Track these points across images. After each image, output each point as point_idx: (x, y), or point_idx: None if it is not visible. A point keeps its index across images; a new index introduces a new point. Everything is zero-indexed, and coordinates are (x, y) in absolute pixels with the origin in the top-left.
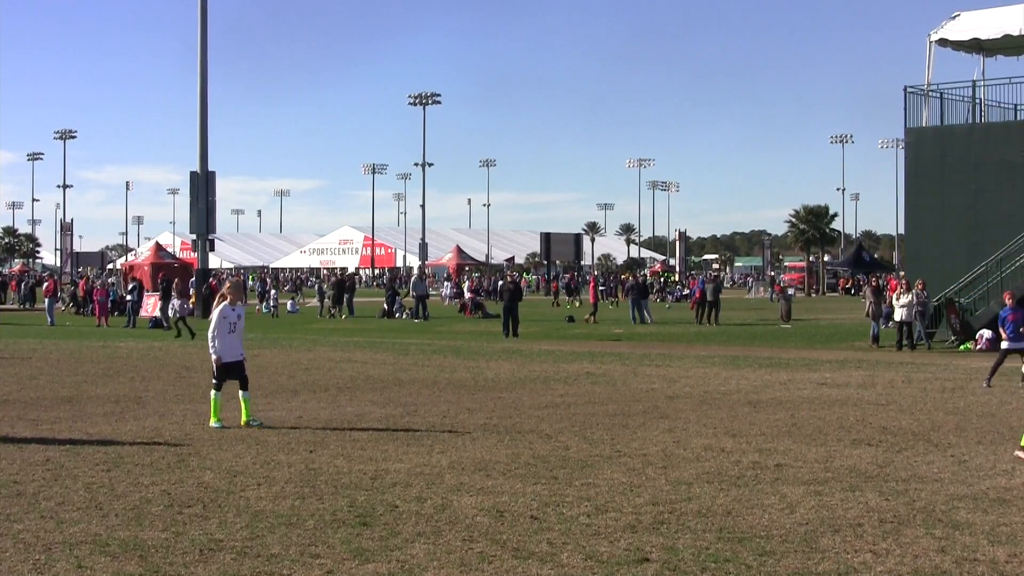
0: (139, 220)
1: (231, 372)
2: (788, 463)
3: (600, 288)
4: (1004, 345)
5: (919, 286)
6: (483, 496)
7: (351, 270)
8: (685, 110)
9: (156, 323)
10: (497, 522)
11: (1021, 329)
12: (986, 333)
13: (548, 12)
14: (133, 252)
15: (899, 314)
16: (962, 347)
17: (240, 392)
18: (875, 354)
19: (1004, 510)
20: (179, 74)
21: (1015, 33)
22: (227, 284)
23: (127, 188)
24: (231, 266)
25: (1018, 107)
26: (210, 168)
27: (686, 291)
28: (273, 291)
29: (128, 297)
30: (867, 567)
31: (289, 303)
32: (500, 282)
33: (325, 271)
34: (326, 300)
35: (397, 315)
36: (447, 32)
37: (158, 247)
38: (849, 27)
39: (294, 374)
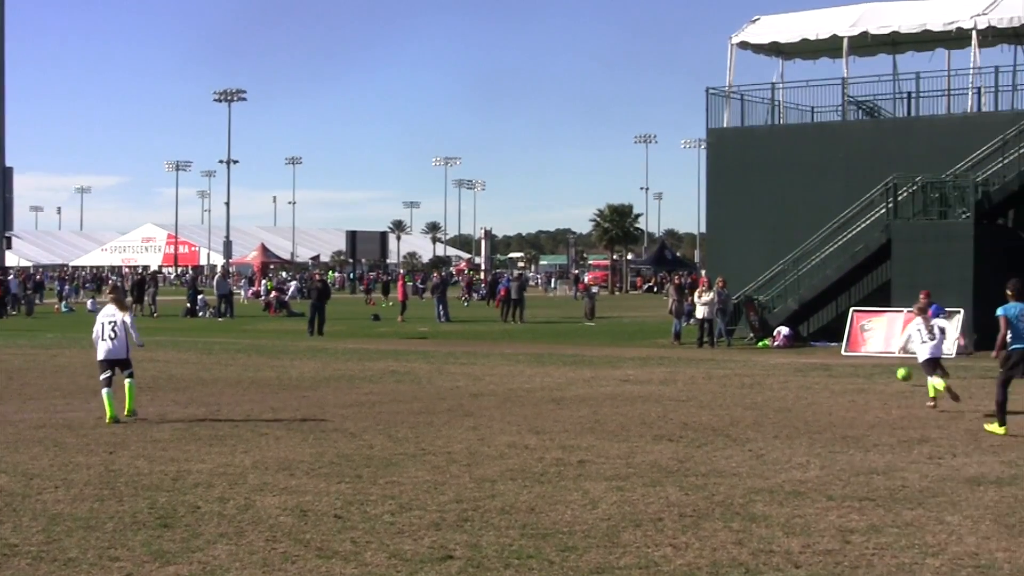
0: None
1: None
2: (591, 459)
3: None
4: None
5: (719, 284)
6: (286, 496)
7: (153, 268)
8: (490, 109)
9: None
10: (300, 522)
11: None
12: (783, 330)
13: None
14: None
15: (700, 312)
16: (760, 344)
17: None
18: (677, 351)
19: (799, 502)
20: None
21: (812, 37)
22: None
23: None
24: (29, 264)
25: (815, 109)
26: (7, 164)
27: (483, 288)
28: (67, 287)
29: None
30: (667, 560)
31: (89, 302)
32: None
33: (127, 269)
34: (128, 298)
35: (201, 314)
36: (254, 26)
37: None
38: (654, 28)
39: (93, 374)
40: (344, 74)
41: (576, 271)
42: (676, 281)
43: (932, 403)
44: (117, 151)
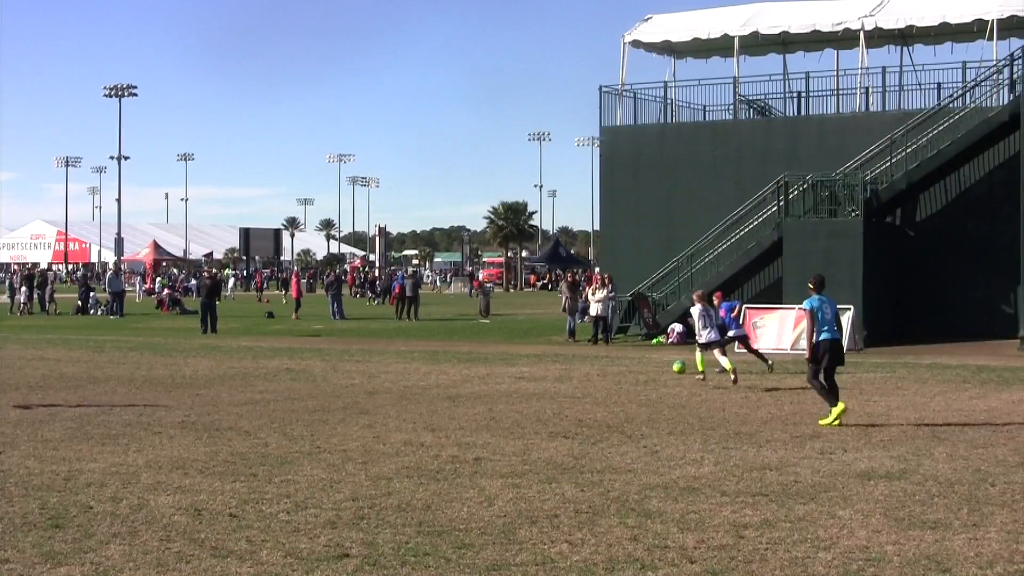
0: None
1: None
2: (487, 456)
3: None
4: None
5: (606, 279)
6: (181, 495)
7: (43, 265)
8: (385, 105)
9: None
10: (195, 521)
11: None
12: (677, 327)
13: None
14: None
15: (594, 309)
16: (654, 341)
17: None
18: (571, 348)
19: (693, 498)
20: None
21: (704, 36)
22: None
23: None
24: None
25: (707, 108)
26: None
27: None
28: None
29: None
30: (563, 557)
31: None
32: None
33: (16, 266)
34: (18, 296)
35: (92, 311)
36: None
37: None
38: (547, 26)
39: None
40: (233, 68)
41: (471, 268)
42: (570, 279)
43: (701, 376)
44: (5, 146)
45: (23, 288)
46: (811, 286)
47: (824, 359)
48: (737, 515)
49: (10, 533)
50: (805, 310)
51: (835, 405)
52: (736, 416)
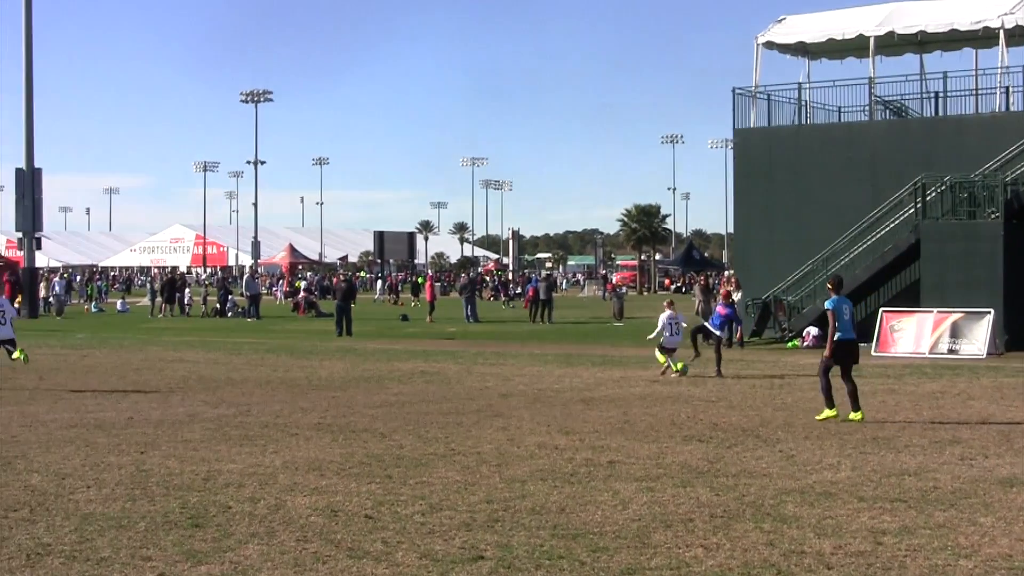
0: None
1: None
2: (621, 460)
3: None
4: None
5: (736, 282)
6: (317, 496)
7: (182, 269)
8: (519, 110)
9: None
10: (331, 522)
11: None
12: (812, 330)
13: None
14: None
15: None
16: (790, 344)
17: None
18: (706, 351)
19: (830, 503)
20: (2, 65)
21: (839, 37)
22: None
23: None
24: (59, 265)
25: (842, 109)
26: (36, 164)
27: (518, 289)
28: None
29: None
30: (698, 561)
31: (119, 302)
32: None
33: (156, 270)
34: (157, 299)
35: (229, 314)
36: (281, 25)
37: None
38: (680, 28)
39: (125, 374)
40: (371, 74)
41: (604, 272)
42: (703, 281)
43: (662, 373)
44: (145, 152)
45: (164, 292)
46: (830, 287)
47: (840, 358)
48: (875, 521)
49: (152, 532)
50: (829, 310)
51: (830, 408)
52: (873, 421)
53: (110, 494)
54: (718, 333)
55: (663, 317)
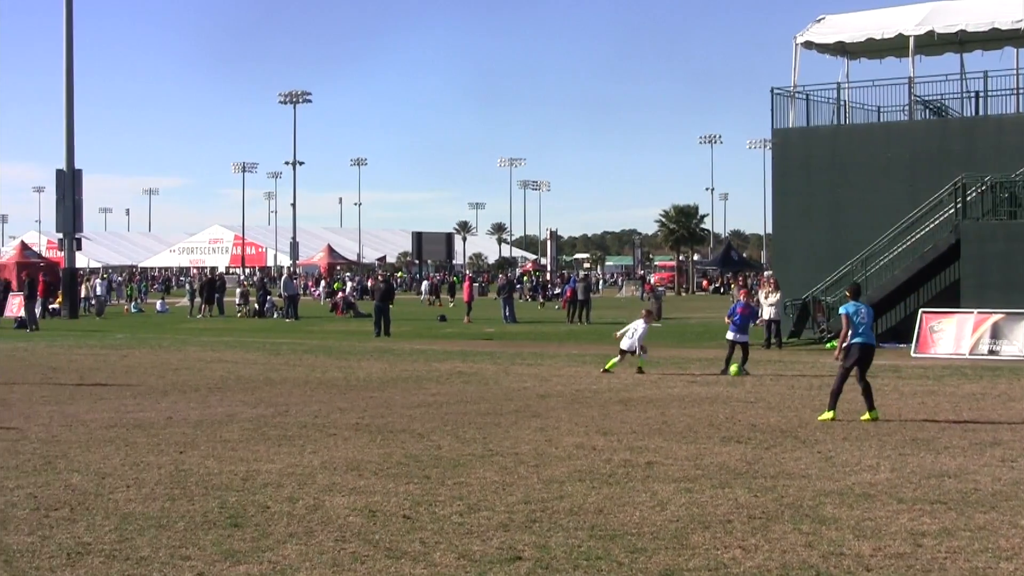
0: (3, 219)
1: None
2: (659, 461)
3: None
4: (729, 336)
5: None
6: (355, 496)
7: (221, 269)
8: (556, 110)
9: (21, 323)
10: (369, 522)
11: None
12: None
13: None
14: None
15: (767, 312)
16: (828, 345)
17: None
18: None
19: (869, 505)
20: (42, 68)
21: (878, 36)
22: None
23: None
24: (99, 265)
25: (881, 109)
26: (76, 165)
27: (557, 290)
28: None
29: None
30: (736, 563)
31: (158, 303)
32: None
33: (195, 270)
34: (196, 299)
35: (268, 315)
36: (316, 28)
37: (24, 246)
38: (718, 28)
39: (163, 375)
40: (408, 75)
41: (642, 272)
42: (741, 282)
43: (606, 372)
44: (184, 153)
45: (203, 293)
46: (848, 294)
47: (854, 361)
48: (915, 523)
49: (191, 531)
50: (842, 314)
51: (830, 409)
52: (913, 422)
53: (149, 493)
54: (732, 337)
55: (639, 322)
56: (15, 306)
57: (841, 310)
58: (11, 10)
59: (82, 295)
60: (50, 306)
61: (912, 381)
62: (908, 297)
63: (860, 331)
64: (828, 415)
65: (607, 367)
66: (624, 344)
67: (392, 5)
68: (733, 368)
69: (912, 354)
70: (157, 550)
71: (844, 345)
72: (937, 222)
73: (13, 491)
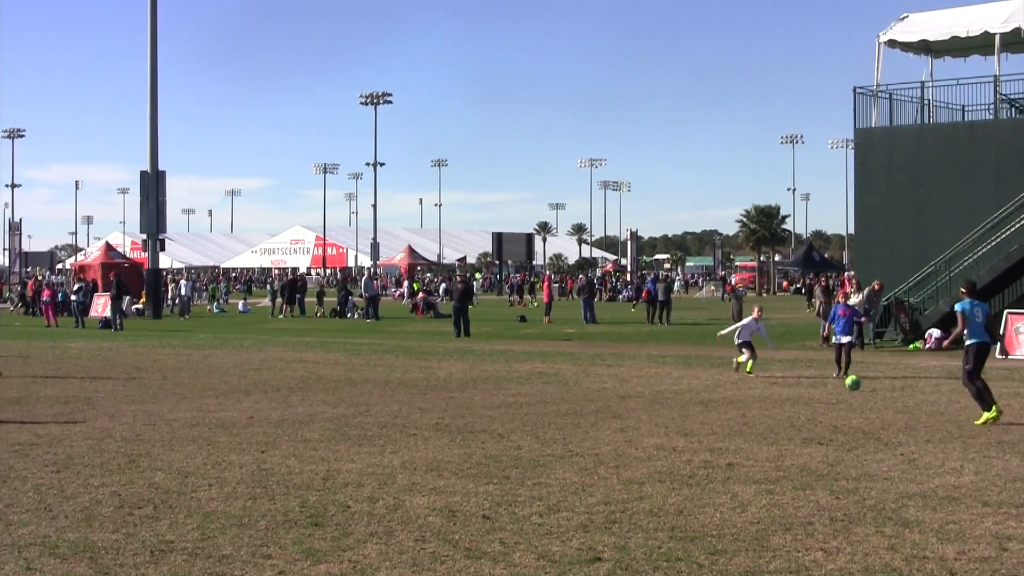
0: (88, 220)
1: None
2: (739, 462)
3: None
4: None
5: (876, 286)
6: (435, 496)
7: (302, 270)
8: (636, 110)
9: (106, 323)
10: (449, 522)
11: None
12: (935, 332)
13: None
14: (83, 252)
15: None
16: (911, 346)
17: None
18: (825, 353)
19: (953, 508)
20: (128, 71)
21: (962, 35)
22: None
23: (76, 187)
24: (182, 266)
25: (965, 108)
26: (160, 167)
27: (624, 292)
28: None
29: (73, 297)
30: (818, 565)
31: (241, 303)
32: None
33: (276, 271)
34: (278, 300)
35: (349, 315)
36: (417, 30)
37: (108, 247)
38: (800, 27)
39: (245, 374)
40: (489, 75)
41: (723, 273)
42: (823, 283)
43: (735, 369)
44: (265, 154)
45: (284, 293)
46: (963, 291)
47: (972, 362)
48: (1000, 526)
49: (272, 530)
50: (959, 312)
51: (987, 411)
52: (997, 425)
53: (231, 492)
54: (844, 340)
55: (747, 320)
56: (100, 306)
57: (957, 307)
58: (97, 14)
59: (168, 295)
60: (134, 306)
61: (997, 383)
62: (993, 298)
63: (976, 331)
64: (989, 415)
65: (748, 370)
66: (741, 338)
67: (462, 7)
68: (849, 379)
69: (997, 355)
70: (239, 548)
71: (965, 344)
72: (1023, 222)
73: (98, 489)
